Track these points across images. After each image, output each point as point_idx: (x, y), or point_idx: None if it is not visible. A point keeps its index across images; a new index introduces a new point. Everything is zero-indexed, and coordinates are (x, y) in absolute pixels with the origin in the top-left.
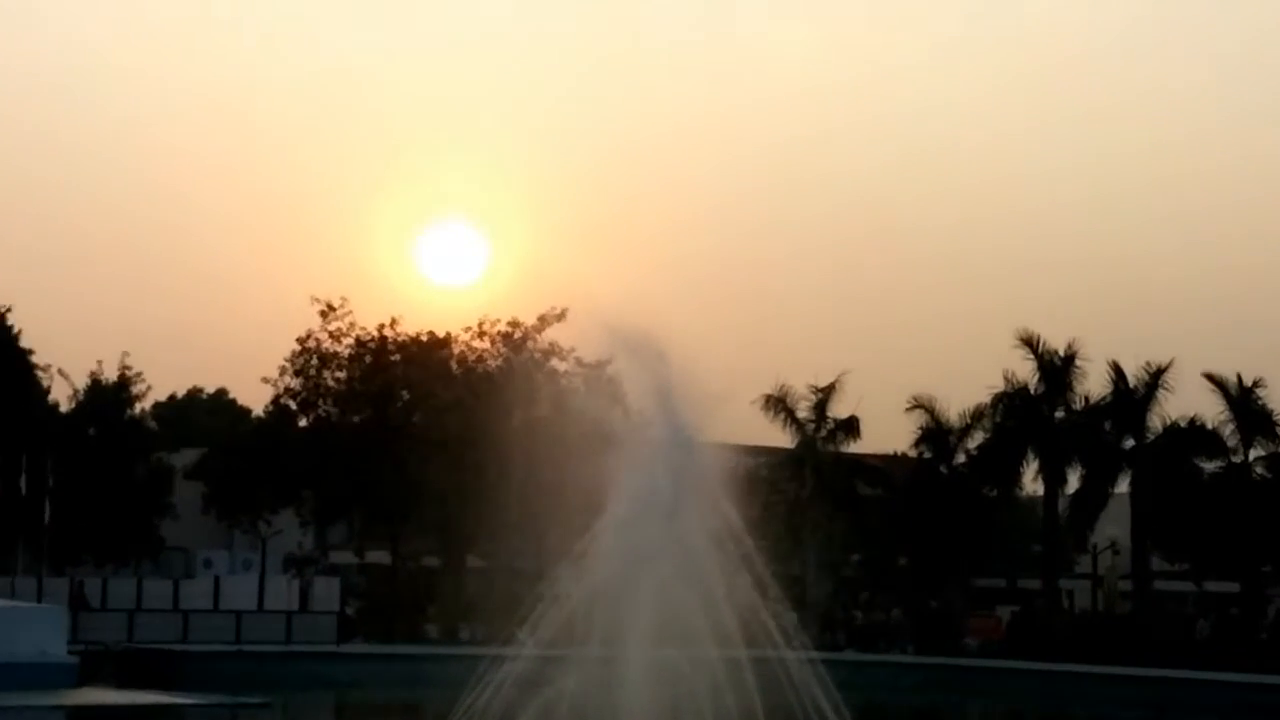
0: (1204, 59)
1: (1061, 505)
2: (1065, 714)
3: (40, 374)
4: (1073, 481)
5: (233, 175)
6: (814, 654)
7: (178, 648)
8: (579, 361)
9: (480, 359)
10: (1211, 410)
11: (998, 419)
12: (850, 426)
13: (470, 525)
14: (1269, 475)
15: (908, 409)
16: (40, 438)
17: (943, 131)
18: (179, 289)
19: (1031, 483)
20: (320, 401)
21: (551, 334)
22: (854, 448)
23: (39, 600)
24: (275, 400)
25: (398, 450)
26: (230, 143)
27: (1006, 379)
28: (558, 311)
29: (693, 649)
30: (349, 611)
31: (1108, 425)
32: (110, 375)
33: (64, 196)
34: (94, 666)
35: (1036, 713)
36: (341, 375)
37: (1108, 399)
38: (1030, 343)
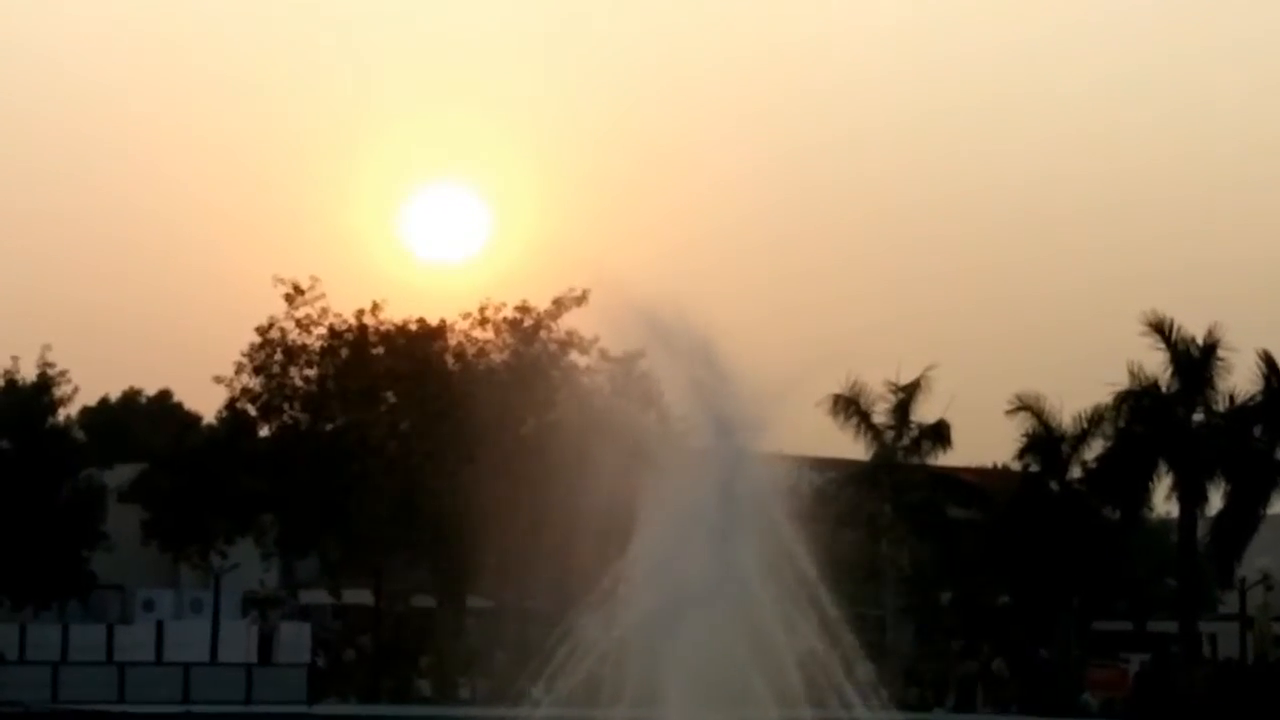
0: None
1: (1201, 530)
2: None
3: None
4: (1215, 500)
5: (177, 128)
6: (896, 715)
7: (113, 709)
8: (604, 354)
9: (482, 352)
10: None
11: (1122, 423)
12: (939, 433)
13: (471, 557)
14: None
15: (1010, 411)
16: None
17: (1052, 77)
18: (111, 269)
19: (1164, 502)
20: (286, 405)
21: (570, 321)
22: (943, 459)
23: None
24: (230, 404)
25: (382, 464)
26: (174, 90)
27: (1132, 374)
28: (577, 294)
29: (747, 710)
30: (322, 664)
31: (1257, 431)
32: (28, 375)
33: None
34: None
35: None
36: (312, 373)
37: (1257, 398)
38: (1161, 329)
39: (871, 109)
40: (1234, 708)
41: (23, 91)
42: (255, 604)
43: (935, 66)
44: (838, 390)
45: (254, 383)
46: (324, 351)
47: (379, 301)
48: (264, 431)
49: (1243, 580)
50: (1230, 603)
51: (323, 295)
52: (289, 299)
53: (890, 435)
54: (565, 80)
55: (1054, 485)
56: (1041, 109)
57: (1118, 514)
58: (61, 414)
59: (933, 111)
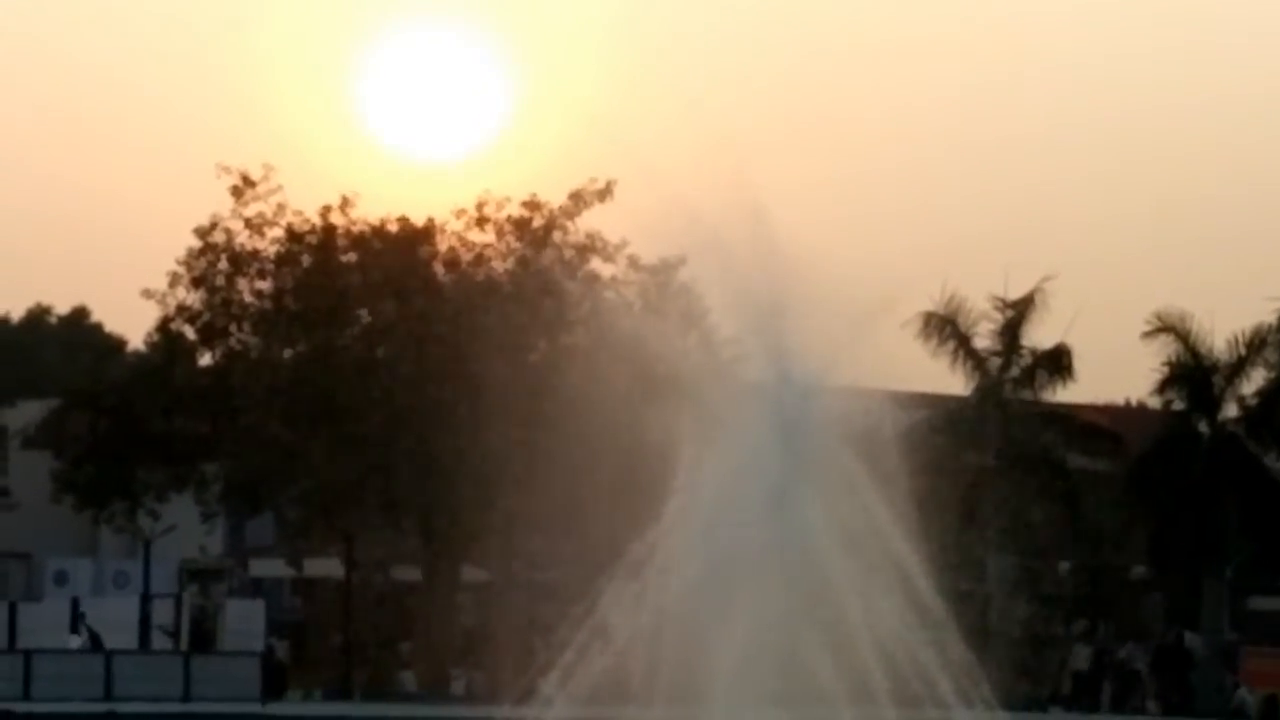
0: None
1: None
2: None
3: None
4: None
5: None
6: (1002, 715)
7: (18, 707)
8: (633, 262)
9: (480, 259)
10: None
11: None
12: (1057, 362)
13: (467, 518)
14: None
15: (1148, 334)
16: None
17: None
18: (10, 159)
19: None
20: (233, 326)
21: (591, 220)
22: (1064, 395)
23: None
24: (163, 325)
25: (353, 400)
26: None
27: None
28: (600, 186)
29: (814, 708)
30: (279, 652)
31: None
32: None
33: None
34: None
35: None
36: (265, 286)
37: None
38: None
39: None
40: None
41: None
42: (195, 577)
43: None
44: (930, 308)
45: (193, 298)
46: (280, 259)
47: (349, 196)
48: (205, 360)
49: None
50: None
51: (279, 189)
52: (236, 193)
53: (996, 364)
54: None
55: (1203, 427)
56: None
57: None
58: None
59: None
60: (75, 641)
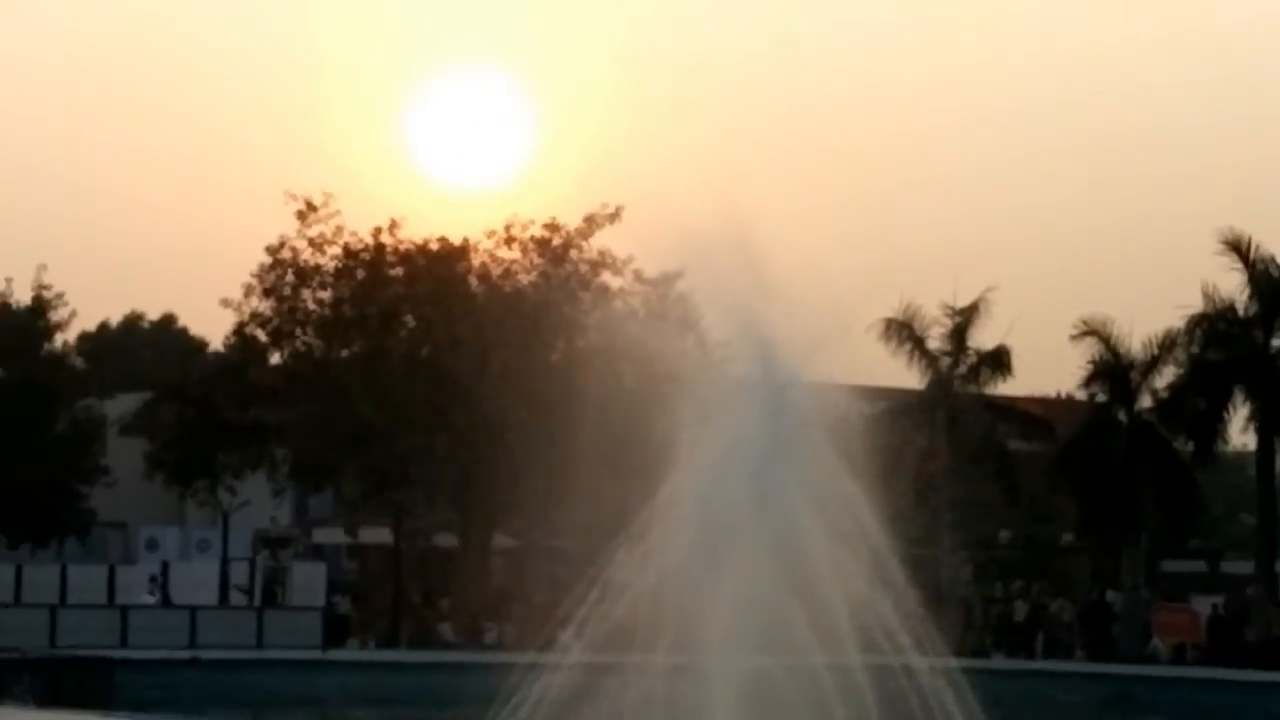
0: None
1: None
2: None
3: None
4: None
5: (176, 32)
6: (951, 661)
7: (115, 654)
8: (639, 276)
9: (508, 273)
10: None
11: (1195, 349)
12: (998, 360)
13: (497, 493)
14: None
15: (1075, 336)
16: None
17: None
18: (111, 184)
19: (1240, 434)
20: (298, 330)
21: (602, 239)
22: (1003, 388)
23: None
24: (239, 329)
25: (401, 394)
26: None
27: (1207, 296)
28: (610, 210)
29: (791, 655)
30: (338, 607)
31: None
32: (22, 298)
33: None
34: (6, 678)
35: None
36: (326, 295)
37: None
38: (1239, 248)
39: (944, 19)
40: None
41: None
42: (267, 543)
43: None
44: (890, 314)
45: (264, 306)
46: (339, 273)
47: (397, 219)
48: (275, 359)
49: None
50: None
51: (337, 213)
52: (301, 216)
53: (946, 362)
54: None
55: (1122, 416)
56: (1128, 17)
57: (1190, 446)
58: (58, 339)
59: (1013, 21)
60: (149, 599)
